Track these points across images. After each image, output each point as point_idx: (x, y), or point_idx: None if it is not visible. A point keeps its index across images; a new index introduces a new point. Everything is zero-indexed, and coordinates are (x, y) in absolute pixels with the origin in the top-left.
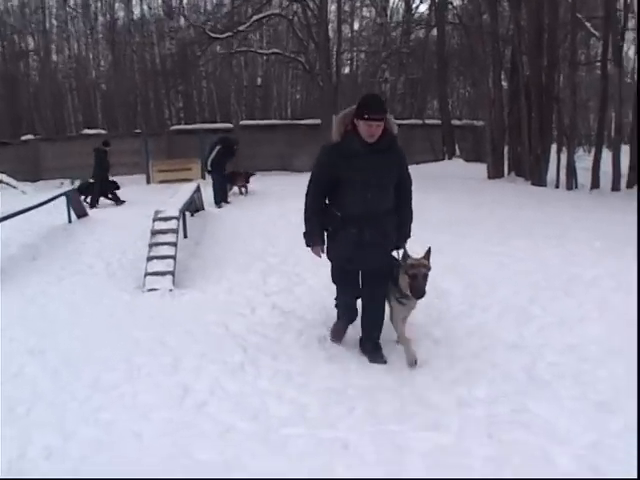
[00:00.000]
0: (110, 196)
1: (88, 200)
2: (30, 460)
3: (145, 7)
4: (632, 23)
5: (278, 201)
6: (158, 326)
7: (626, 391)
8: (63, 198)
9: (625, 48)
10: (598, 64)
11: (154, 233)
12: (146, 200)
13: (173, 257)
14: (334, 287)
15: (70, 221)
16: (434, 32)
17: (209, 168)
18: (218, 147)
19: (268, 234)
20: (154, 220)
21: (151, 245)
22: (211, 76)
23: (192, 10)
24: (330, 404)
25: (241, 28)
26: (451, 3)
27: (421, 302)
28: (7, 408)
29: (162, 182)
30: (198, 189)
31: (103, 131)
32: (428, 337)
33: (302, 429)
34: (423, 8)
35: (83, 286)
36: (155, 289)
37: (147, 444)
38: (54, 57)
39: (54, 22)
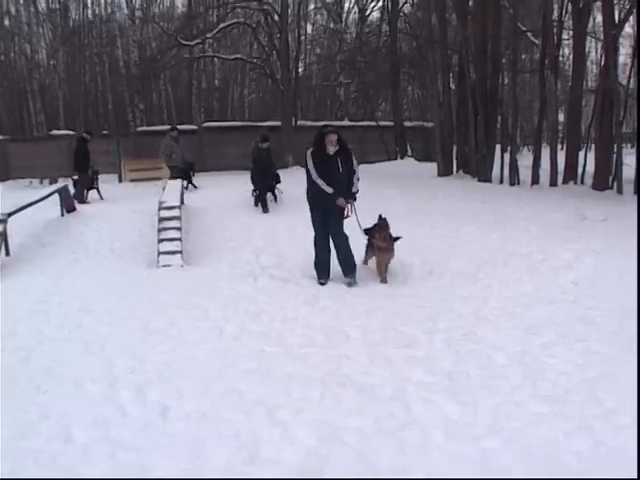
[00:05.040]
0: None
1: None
2: (118, 374)
3: (108, 9)
4: (567, 34)
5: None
6: (180, 291)
7: (547, 322)
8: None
9: (566, 52)
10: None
11: (161, 220)
12: (124, 197)
13: (180, 239)
14: None
15: (63, 215)
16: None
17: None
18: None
19: (247, 224)
20: (159, 209)
21: (160, 229)
22: (172, 80)
23: (153, 16)
24: (331, 335)
25: (209, 35)
26: (403, 12)
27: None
28: (83, 346)
29: (134, 181)
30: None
31: (71, 132)
32: (399, 292)
33: (315, 349)
34: (376, 15)
35: (99, 266)
36: (168, 265)
37: (203, 362)
38: (15, 59)
39: (10, 22)
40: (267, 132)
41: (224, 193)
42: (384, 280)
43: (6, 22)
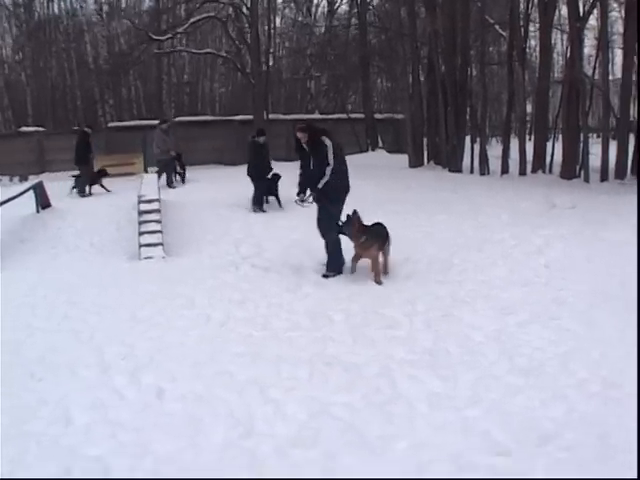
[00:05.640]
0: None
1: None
2: (109, 361)
3: (74, 4)
4: (533, 27)
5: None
6: (163, 281)
7: (521, 303)
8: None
9: (533, 43)
10: None
11: (141, 213)
12: (98, 192)
13: (160, 232)
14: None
15: (38, 211)
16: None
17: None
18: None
19: (225, 217)
20: (139, 202)
21: (140, 222)
22: (142, 75)
23: (122, 10)
24: (315, 319)
25: (179, 30)
26: (372, 5)
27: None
28: (73, 336)
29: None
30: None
31: (41, 129)
32: None
33: (300, 332)
34: (345, 7)
35: (80, 259)
36: (150, 257)
37: (193, 347)
38: None
39: None
40: (262, 127)
41: (198, 187)
42: (376, 278)
43: None
